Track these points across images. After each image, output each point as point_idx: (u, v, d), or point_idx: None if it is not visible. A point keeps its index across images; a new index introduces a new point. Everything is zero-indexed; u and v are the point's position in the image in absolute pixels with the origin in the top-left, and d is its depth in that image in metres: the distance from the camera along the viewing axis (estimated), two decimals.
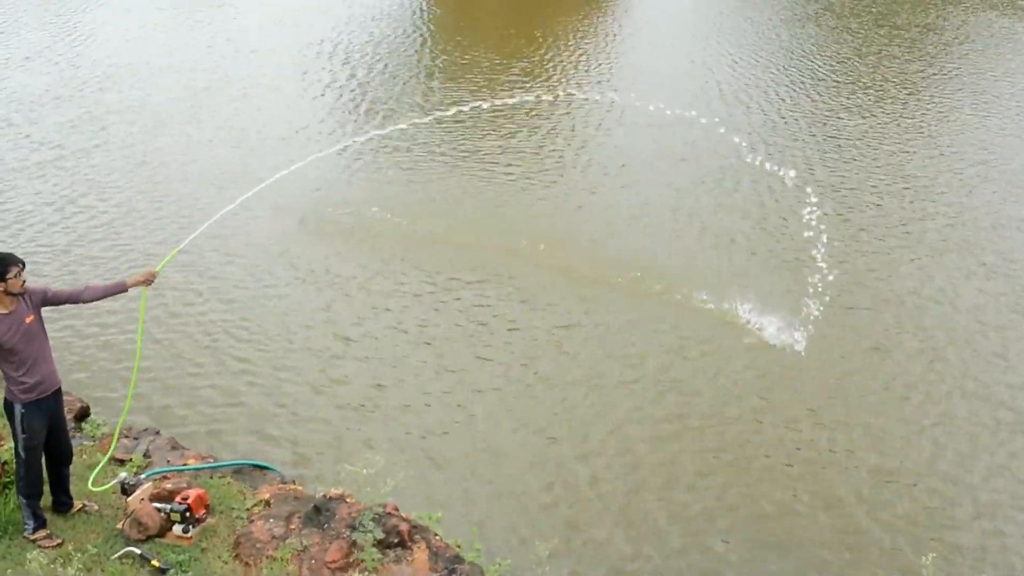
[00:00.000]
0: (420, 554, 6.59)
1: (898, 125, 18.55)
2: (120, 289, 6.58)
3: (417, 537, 6.72)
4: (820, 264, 12.21)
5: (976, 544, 8.47)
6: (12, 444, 6.49)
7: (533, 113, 18.90)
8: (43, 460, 6.45)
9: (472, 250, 13.44)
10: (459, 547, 6.97)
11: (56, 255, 13.34)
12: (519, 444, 9.72)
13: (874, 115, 18.98)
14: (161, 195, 15.31)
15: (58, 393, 6.47)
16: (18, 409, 6.20)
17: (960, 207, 15.18)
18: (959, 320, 12.03)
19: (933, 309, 12.24)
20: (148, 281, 6.67)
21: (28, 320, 6.14)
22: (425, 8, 27.27)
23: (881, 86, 20.67)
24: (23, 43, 23.13)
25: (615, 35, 25.42)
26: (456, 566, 6.58)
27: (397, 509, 6.84)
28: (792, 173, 15.45)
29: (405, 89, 20.45)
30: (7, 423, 6.53)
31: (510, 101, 18.25)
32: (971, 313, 12.19)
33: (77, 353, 10.98)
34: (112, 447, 7.44)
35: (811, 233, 12.85)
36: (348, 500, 6.95)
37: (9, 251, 6.30)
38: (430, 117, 17.36)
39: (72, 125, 18.08)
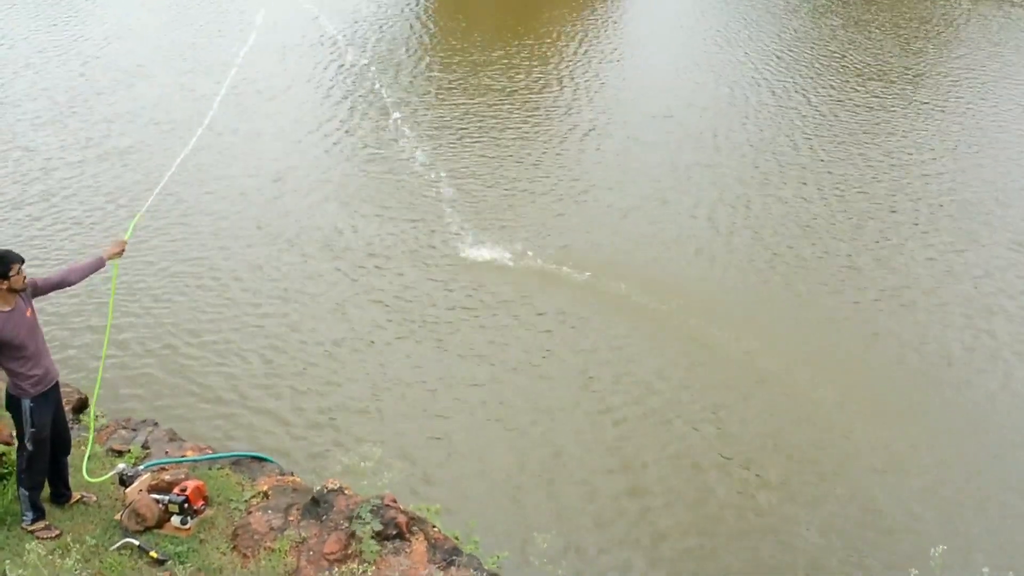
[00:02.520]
0: (418, 546, 6.59)
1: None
2: (100, 264, 6.53)
3: (415, 529, 6.71)
4: None
5: None
6: (12, 436, 6.48)
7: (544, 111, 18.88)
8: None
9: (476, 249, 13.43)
10: (457, 539, 6.97)
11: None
12: (519, 438, 9.72)
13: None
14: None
15: (57, 384, 6.49)
16: (27, 404, 6.20)
17: None
18: None
19: None
20: (120, 251, 6.65)
21: (28, 314, 6.17)
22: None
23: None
24: None
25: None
26: (454, 558, 6.58)
27: (395, 501, 6.83)
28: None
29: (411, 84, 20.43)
30: (8, 418, 6.51)
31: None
32: None
33: (74, 344, 10.98)
34: (91, 432, 7.37)
35: None
36: (346, 492, 6.94)
37: (8, 248, 6.30)
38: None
39: None
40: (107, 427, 8.20)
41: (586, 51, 22.42)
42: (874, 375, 10.86)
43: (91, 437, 7.36)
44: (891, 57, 21.83)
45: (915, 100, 19.32)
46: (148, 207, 7.64)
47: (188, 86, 19.44)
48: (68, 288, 6.65)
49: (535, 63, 21.36)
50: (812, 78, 20.48)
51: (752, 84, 19.94)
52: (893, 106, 18.90)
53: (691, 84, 20.05)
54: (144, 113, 18.18)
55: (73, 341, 11.04)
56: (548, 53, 22.12)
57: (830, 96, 19.39)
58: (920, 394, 10.56)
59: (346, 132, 17.68)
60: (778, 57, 21.84)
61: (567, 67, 21.18)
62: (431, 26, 24.32)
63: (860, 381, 10.73)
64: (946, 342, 11.47)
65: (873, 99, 19.21)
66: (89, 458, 7.16)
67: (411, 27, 23.95)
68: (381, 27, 23.82)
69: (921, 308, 12.11)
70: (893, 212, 14.65)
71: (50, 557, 5.98)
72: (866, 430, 9.90)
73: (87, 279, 6.58)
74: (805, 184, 15.42)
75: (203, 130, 8.76)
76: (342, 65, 21.02)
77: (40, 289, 6.32)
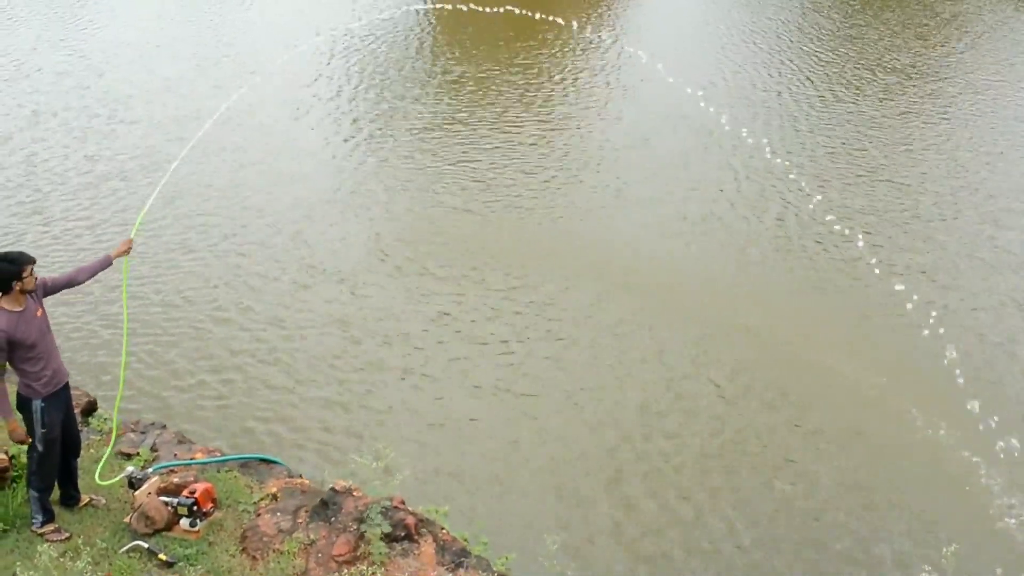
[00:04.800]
0: (427, 547, 6.59)
1: None
2: (107, 263, 6.73)
3: (424, 531, 6.72)
4: None
5: None
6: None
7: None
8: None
9: (489, 247, 13.42)
10: (466, 541, 6.97)
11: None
12: (529, 440, 9.71)
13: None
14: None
15: (67, 385, 6.53)
16: (38, 404, 6.25)
17: None
18: None
19: None
20: (127, 250, 6.82)
21: (38, 314, 6.23)
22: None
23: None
24: None
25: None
26: (463, 559, 6.59)
27: (404, 503, 6.84)
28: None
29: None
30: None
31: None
32: None
33: (81, 348, 11.01)
34: (114, 432, 7.42)
35: None
36: (355, 494, 6.95)
37: (20, 250, 6.37)
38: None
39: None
40: (116, 427, 8.21)
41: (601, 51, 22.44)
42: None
43: (113, 441, 7.39)
44: (923, 56, 21.78)
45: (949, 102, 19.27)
46: (150, 205, 7.72)
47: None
48: (77, 287, 6.76)
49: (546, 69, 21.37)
50: (843, 73, 20.44)
51: (799, 86, 19.88)
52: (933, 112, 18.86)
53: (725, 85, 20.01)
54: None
55: (87, 345, 11.07)
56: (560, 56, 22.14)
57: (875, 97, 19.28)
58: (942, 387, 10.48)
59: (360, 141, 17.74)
60: (817, 57, 21.77)
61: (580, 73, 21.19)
62: (434, 44, 24.37)
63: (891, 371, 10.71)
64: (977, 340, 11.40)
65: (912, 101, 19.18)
66: (103, 462, 7.18)
67: (419, 41, 24.00)
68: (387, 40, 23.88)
69: (957, 312, 12.00)
70: (955, 219, 14.59)
71: (61, 560, 6.00)
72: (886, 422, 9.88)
73: (95, 277, 6.73)
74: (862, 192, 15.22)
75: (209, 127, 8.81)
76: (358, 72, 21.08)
77: (50, 289, 6.41)
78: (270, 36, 23.39)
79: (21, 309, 6.09)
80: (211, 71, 20.81)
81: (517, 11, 14.35)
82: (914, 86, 20.24)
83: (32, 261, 6.14)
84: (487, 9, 13.68)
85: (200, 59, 21.41)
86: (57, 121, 17.96)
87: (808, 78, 20.53)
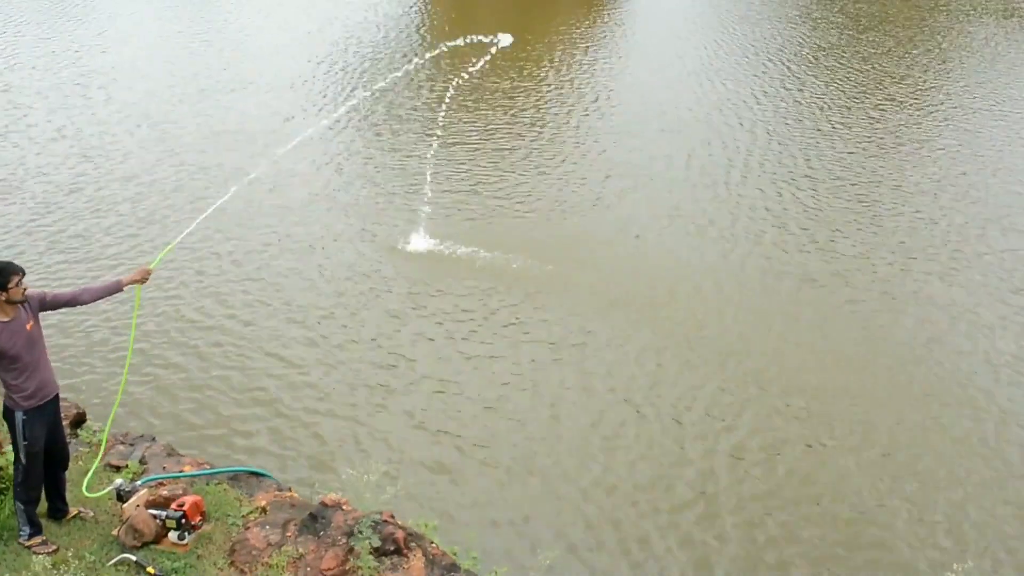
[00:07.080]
0: (416, 562, 6.59)
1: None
2: (116, 288, 6.60)
3: (413, 544, 6.72)
4: None
5: None
6: (10, 450, 6.48)
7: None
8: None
9: (474, 260, 13.45)
10: (455, 555, 6.96)
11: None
12: (520, 453, 9.69)
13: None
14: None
15: (56, 399, 6.49)
16: (19, 416, 6.20)
17: None
18: None
19: None
20: (143, 279, 6.69)
21: (28, 327, 6.16)
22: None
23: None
24: None
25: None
26: (452, 574, 6.59)
27: (393, 517, 6.84)
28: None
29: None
30: (5, 430, 6.52)
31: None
32: None
33: (70, 358, 10.96)
34: (102, 448, 7.41)
35: None
36: (344, 507, 6.95)
37: (9, 260, 6.33)
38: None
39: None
40: (105, 442, 8.19)
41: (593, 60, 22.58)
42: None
43: (100, 454, 7.37)
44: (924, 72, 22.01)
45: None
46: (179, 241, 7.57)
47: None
48: (81, 307, 6.66)
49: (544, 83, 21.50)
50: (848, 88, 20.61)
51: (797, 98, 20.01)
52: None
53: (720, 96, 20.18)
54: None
55: (85, 360, 11.02)
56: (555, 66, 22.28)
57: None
58: (950, 401, 10.51)
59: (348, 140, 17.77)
60: (815, 74, 21.96)
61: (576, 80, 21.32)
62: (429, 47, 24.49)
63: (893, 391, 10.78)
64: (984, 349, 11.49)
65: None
66: (90, 475, 7.16)
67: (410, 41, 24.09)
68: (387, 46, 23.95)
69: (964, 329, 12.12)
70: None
71: (54, 571, 5.98)
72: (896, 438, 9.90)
73: (100, 300, 6.64)
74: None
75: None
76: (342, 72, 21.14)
77: (48, 304, 6.35)
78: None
79: (8, 320, 6.05)
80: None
81: None
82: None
83: (19, 272, 6.05)
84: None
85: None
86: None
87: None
